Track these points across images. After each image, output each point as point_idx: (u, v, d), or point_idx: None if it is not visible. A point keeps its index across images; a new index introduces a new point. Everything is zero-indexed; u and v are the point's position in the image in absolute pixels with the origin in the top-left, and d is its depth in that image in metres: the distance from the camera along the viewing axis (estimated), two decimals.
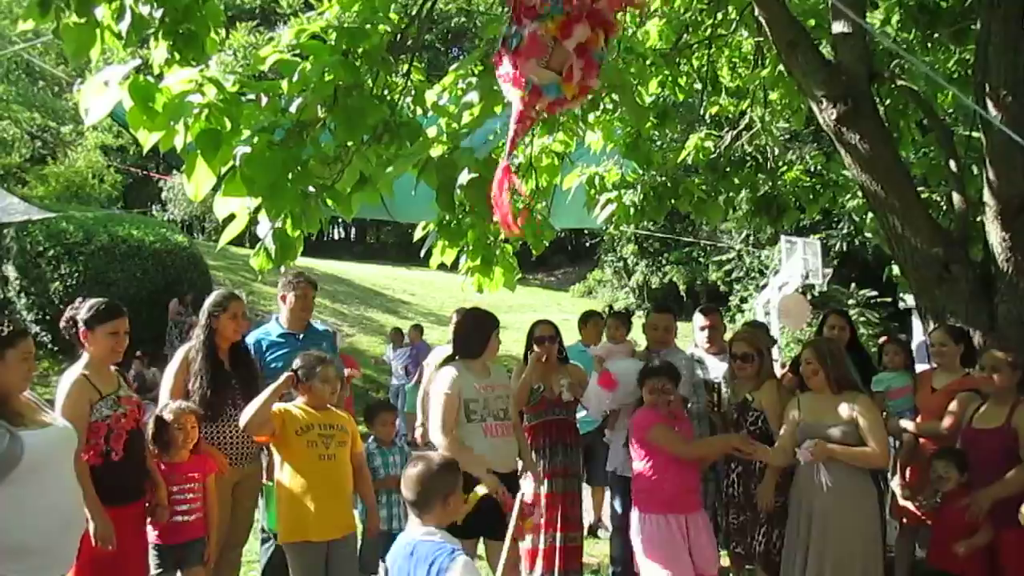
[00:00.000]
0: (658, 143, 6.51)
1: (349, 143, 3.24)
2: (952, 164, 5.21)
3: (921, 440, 4.65)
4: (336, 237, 41.88)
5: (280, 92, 3.12)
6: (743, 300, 23.96)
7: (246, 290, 18.40)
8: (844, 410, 4.01)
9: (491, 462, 4.04)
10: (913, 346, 7.63)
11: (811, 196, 7.02)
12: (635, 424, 4.34)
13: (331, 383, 3.94)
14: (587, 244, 32.58)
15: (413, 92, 3.76)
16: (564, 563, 4.71)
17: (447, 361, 4.37)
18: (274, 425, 3.77)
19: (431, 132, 3.64)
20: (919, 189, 5.48)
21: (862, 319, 19.28)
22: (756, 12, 4.74)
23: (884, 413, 4.54)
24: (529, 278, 31.42)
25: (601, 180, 6.04)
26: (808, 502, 4.07)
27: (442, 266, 4.95)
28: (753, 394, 4.43)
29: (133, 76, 2.79)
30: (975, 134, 5.45)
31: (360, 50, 3.24)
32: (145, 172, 26.92)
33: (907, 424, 4.68)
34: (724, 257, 25.49)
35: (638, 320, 7.23)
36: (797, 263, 17.58)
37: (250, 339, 4.71)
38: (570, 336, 5.94)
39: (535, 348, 4.93)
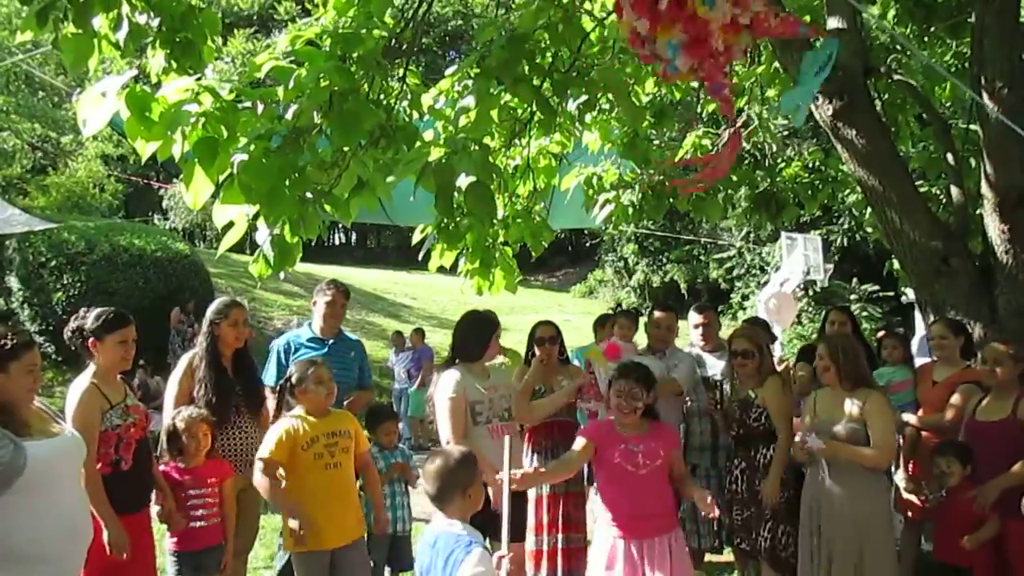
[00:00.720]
0: (656, 142, 6.51)
1: (346, 148, 3.25)
2: (950, 157, 5.22)
3: (923, 433, 4.65)
4: (337, 242, 41.94)
5: (276, 99, 3.13)
6: (745, 297, 23.96)
7: (248, 297, 18.42)
8: (854, 408, 4.01)
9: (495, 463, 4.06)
10: (915, 340, 7.64)
11: (810, 192, 7.03)
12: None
13: (325, 384, 3.93)
14: (587, 244, 32.58)
15: (409, 96, 3.77)
16: (567, 564, 4.71)
17: (447, 364, 4.38)
18: (285, 456, 3.78)
19: (428, 136, 3.65)
20: (917, 183, 5.49)
21: (864, 314, 19.26)
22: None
23: None
24: (530, 279, 31.43)
25: (599, 180, 6.04)
26: (819, 498, 4.09)
27: (442, 269, 4.96)
28: (756, 391, 4.43)
29: (130, 86, 2.81)
30: (972, 127, 5.45)
31: (355, 55, 3.25)
32: (146, 181, 26.94)
33: (909, 418, 4.69)
34: (725, 255, 25.48)
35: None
36: (798, 259, 17.57)
37: (280, 341, 4.85)
38: (570, 337, 5.95)
39: (536, 349, 4.94)
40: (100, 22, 3.46)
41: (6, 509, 2.83)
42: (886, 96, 6.18)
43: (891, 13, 5.93)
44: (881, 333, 5.95)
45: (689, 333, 5.55)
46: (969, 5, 5.07)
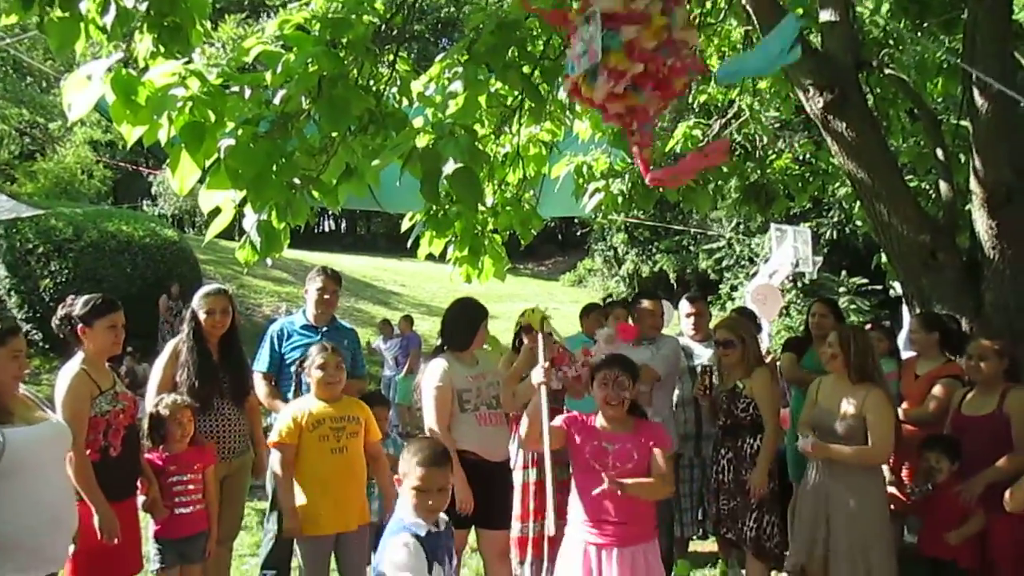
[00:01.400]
0: None
1: (334, 134, 3.23)
2: (939, 153, 5.23)
3: (906, 427, 4.68)
4: (326, 229, 41.82)
5: (264, 84, 3.11)
6: (733, 288, 24.02)
7: (236, 283, 18.37)
8: (855, 402, 4.01)
9: (482, 452, 4.09)
10: (903, 334, 7.68)
11: (800, 184, 7.04)
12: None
13: (328, 371, 3.93)
14: (577, 233, 32.59)
15: (399, 82, 3.75)
16: (553, 550, 4.72)
17: (436, 352, 4.38)
18: (295, 438, 3.85)
19: (418, 123, 3.63)
20: (907, 177, 5.51)
21: (852, 306, 19.35)
22: (744, 0, 4.74)
23: None
24: (519, 268, 31.45)
25: (589, 169, 6.03)
26: (816, 490, 4.12)
27: (431, 257, 4.95)
28: (744, 381, 4.44)
29: (116, 70, 2.78)
30: (963, 123, 5.46)
31: (345, 40, 3.23)
32: (134, 167, 26.75)
33: None
34: (714, 245, 25.54)
35: None
36: (787, 251, 17.64)
37: (275, 327, 4.83)
38: (560, 326, 5.94)
39: (524, 337, 4.93)
40: (87, 5, 3.43)
41: None
42: (877, 90, 6.20)
43: (885, 7, 5.93)
44: (867, 326, 5.97)
45: (680, 322, 5.56)
46: (962, 1, 5.08)
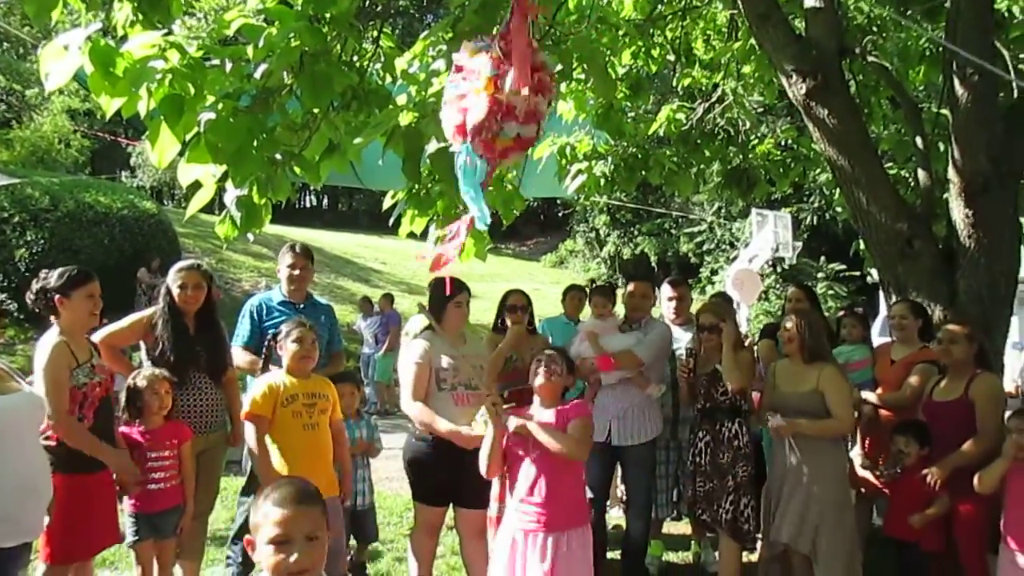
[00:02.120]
0: (630, 114, 6.50)
1: (316, 110, 3.20)
2: (919, 141, 5.27)
3: (881, 412, 4.75)
4: (307, 205, 41.55)
5: (245, 58, 3.07)
6: (714, 272, 24.17)
7: (215, 258, 18.25)
8: (811, 380, 4.13)
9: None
10: (878, 320, 7.74)
11: (781, 170, 7.07)
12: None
13: (304, 346, 3.94)
14: (559, 214, 32.60)
15: (383, 59, 3.72)
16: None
17: (424, 330, 4.41)
18: (270, 410, 3.85)
19: (401, 100, 3.61)
20: (886, 165, 5.54)
21: (830, 292, 19.54)
22: None
23: None
24: (501, 248, 31.43)
25: (572, 150, 6.03)
26: (781, 469, 4.21)
27: (413, 235, 4.93)
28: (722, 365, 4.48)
29: (94, 40, 2.74)
30: (943, 112, 5.50)
31: (327, 15, 3.19)
32: (113, 137, 26.40)
33: (868, 395, 4.77)
34: (696, 229, 25.65)
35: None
36: (768, 236, 17.75)
37: (253, 303, 4.82)
38: (541, 307, 5.96)
39: (507, 318, 4.95)
40: None
41: None
42: (860, 77, 6.22)
43: None
44: (841, 312, 6.03)
45: (661, 306, 5.58)
46: None
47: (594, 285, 5.50)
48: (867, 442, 4.82)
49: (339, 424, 4.18)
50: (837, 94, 4.72)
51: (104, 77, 2.77)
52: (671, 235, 27.14)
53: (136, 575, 3.90)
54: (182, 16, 3.80)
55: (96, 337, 3.99)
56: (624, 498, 4.99)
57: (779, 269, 20.20)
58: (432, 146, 3.01)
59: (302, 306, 4.78)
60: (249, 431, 3.87)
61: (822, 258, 20.57)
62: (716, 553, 4.85)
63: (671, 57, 6.62)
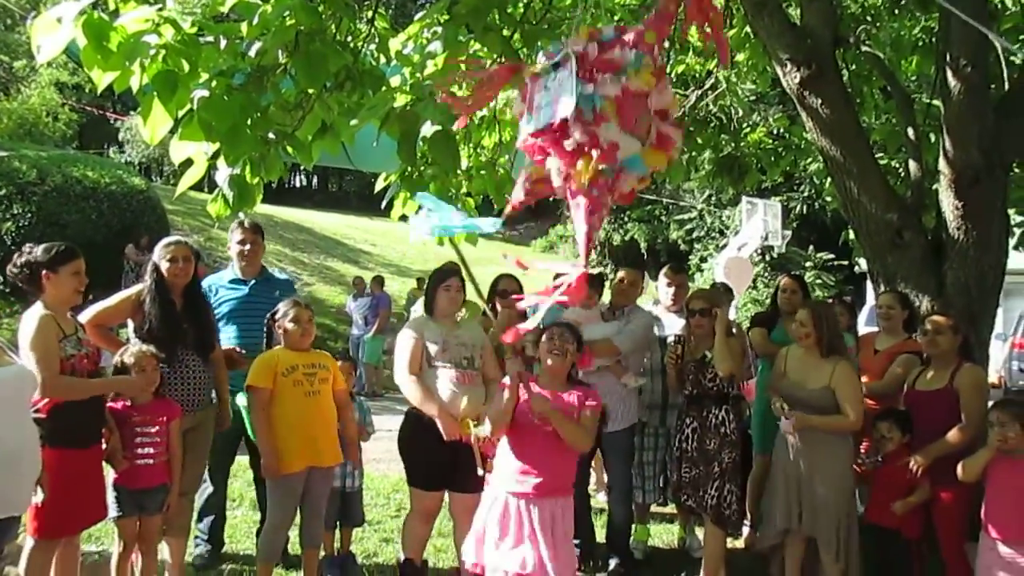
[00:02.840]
0: None
1: (310, 90, 3.19)
2: (911, 132, 5.29)
3: (867, 401, 4.78)
4: (297, 185, 41.36)
5: (240, 35, 3.05)
6: (703, 259, 24.24)
7: (204, 236, 18.16)
8: (824, 375, 4.15)
9: (451, 407, 4.13)
10: (865, 310, 7.78)
11: (773, 158, 7.09)
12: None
13: (301, 324, 4.05)
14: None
15: (377, 40, 3.70)
16: None
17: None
18: (269, 381, 3.97)
19: (394, 82, 3.59)
20: (877, 155, 5.57)
21: (819, 281, 19.63)
22: None
23: None
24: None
25: None
26: (785, 459, 4.24)
27: (404, 217, 4.91)
28: (711, 352, 4.50)
29: (87, 13, 2.71)
30: (935, 103, 5.53)
31: None
32: (101, 112, 26.17)
33: None
34: (686, 216, 25.70)
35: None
36: (757, 224, 17.81)
37: (205, 284, 4.75)
38: (533, 289, 5.93)
39: (497, 303, 4.95)
40: None
41: None
42: (853, 67, 6.23)
43: None
44: (830, 301, 6.06)
45: (656, 292, 5.57)
46: None
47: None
48: None
49: (343, 395, 4.29)
50: (831, 83, 4.74)
51: (97, 51, 2.75)
52: (661, 222, 27.19)
53: (118, 550, 3.91)
54: None
55: (84, 317, 3.97)
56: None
57: (768, 257, 20.29)
58: (427, 129, 3.00)
59: (253, 282, 4.79)
60: (250, 401, 4.01)
61: (811, 247, 20.66)
62: (700, 538, 4.89)
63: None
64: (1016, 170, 6.11)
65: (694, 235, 25.59)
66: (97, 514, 3.71)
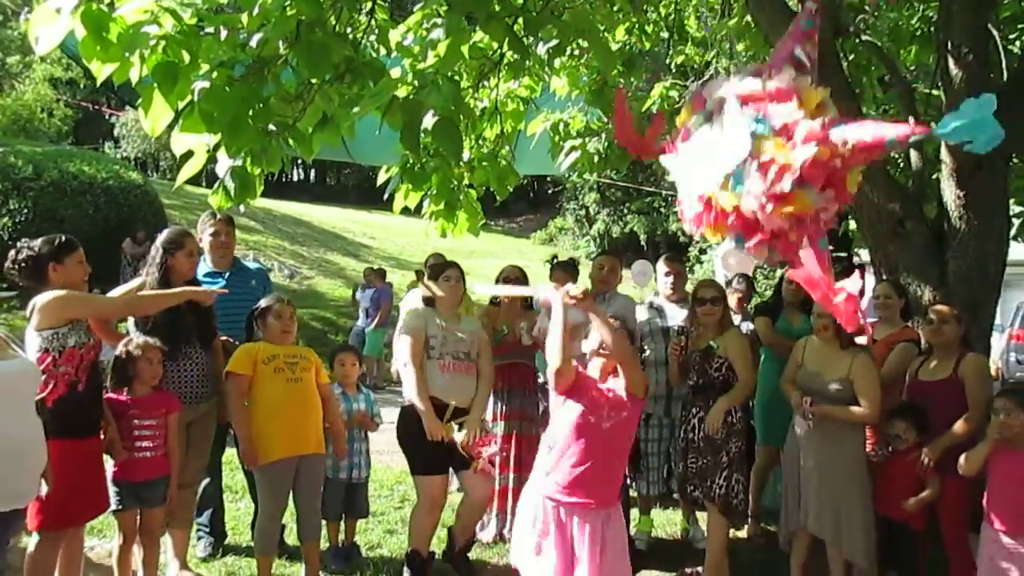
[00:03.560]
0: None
1: (312, 81, 3.17)
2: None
3: None
4: (295, 178, 41.29)
5: (240, 26, 3.03)
6: (702, 251, 24.20)
7: None
8: (843, 367, 4.15)
9: (444, 397, 4.23)
10: (864, 302, 7.74)
11: None
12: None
13: (283, 320, 4.07)
14: (549, 192, 32.54)
15: (377, 31, 3.68)
16: (517, 503, 4.80)
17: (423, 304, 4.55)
18: (249, 368, 3.99)
19: (395, 73, 3.57)
20: None
21: None
22: None
23: None
24: (491, 224, 31.37)
25: (566, 127, 6.00)
26: (801, 448, 4.26)
27: (404, 210, 4.91)
28: (717, 341, 4.49)
29: (85, 4, 2.69)
30: (935, 92, 5.51)
31: None
32: (97, 107, 26.09)
33: None
34: None
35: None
36: None
37: None
38: (536, 282, 5.93)
39: (502, 295, 4.97)
40: None
41: None
42: (852, 57, 6.21)
43: None
44: None
45: (657, 281, 5.57)
46: None
47: (556, 261, 5.49)
48: None
49: (327, 387, 4.30)
50: (831, 73, 4.71)
51: (96, 42, 2.73)
52: (661, 214, 27.16)
53: (119, 543, 3.90)
54: None
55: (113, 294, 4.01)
56: None
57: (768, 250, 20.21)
58: (430, 118, 2.99)
59: (228, 274, 4.79)
60: (229, 389, 4.02)
61: None
62: (704, 529, 4.89)
63: (665, 34, 6.59)
64: (1016, 160, 6.10)
65: None
66: (100, 506, 3.71)
